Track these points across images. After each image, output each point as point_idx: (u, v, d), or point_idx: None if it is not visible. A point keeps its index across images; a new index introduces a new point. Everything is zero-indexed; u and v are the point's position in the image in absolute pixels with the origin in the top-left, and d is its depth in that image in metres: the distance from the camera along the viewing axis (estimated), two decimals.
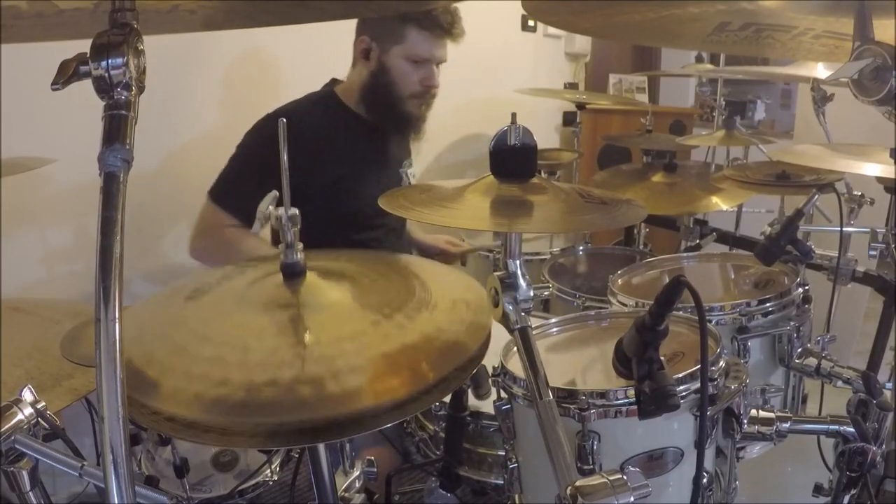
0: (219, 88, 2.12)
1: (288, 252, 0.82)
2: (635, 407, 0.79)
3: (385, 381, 0.69)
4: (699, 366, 0.87)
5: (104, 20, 0.60)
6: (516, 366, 0.94)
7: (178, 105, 2.01)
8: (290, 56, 2.18)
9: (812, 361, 1.25)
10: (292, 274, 0.83)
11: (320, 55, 1.80)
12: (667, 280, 0.76)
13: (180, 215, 2.10)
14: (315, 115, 1.70)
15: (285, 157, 0.81)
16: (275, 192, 0.85)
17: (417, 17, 1.63)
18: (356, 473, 1.02)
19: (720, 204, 1.93)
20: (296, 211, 0.82)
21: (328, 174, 1.68)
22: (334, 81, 1.82)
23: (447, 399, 1.14)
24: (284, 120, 0.80)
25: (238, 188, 1.64)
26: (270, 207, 0.83)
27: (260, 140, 1.66)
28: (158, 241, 2.07)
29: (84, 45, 0.59)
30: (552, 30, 3.29)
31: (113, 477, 0.54)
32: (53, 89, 0.58)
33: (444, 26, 1.66)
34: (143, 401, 0.67)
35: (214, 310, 0.83)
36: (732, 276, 1.50)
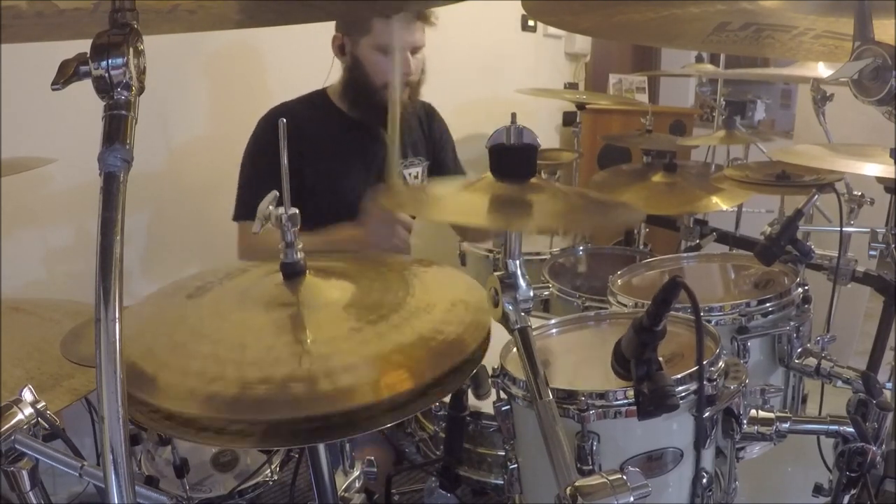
0: (217, 88, 2.12)
1: (288, 251, 0.83)
2: (635, 407, 0.79)
3: (380, 379, 0.69)
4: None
5: (104, 20, 0.60)
6: (516, 366, 0.94)
7: (177, 105, 2.01)
8: (290, 56, 2.18)
9: (812, 361, 1.24)
10: (292, 273, 0.83)
11: (320, 54, 1.80)
12: (667, 280, 0.76)
13: (180, 214, 2.10)
14: (304, 115, 1.71)
15: (285, 158, 0.81)
16: (275, 192, 0.85)
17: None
18: (356, 473, 1.02)
19: (720, 204, 1.93)
20: (296, 211, 0.82)
21: (316, 172, 1.68)
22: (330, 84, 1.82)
23: (447, 399, 1.14)
24: (284, 120, 0.81)
25: (260, 195, 1.61)
26: (270, 207, 0.83)
27: (263, 145, 1.68)
28: (158, 241, 2.07)
29: (84, 45, 0.59)
30: (552, 30, 3.29)
31: (113, 477, 0.54)
32: (53, 89, 0.58)
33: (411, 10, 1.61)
34: (139, 396, 0.68)
35: (214, 308, 0.83)
36: (732, 276, 1.50)
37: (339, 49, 1.70)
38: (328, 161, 1.70)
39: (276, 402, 0.66)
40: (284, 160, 0.81)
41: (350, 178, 1.74)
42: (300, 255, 0.83)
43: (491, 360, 0.91)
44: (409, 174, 1.87)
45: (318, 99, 1.77)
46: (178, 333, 0.78)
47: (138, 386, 0.68)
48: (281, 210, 0.83)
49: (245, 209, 1.69)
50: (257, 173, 1.67)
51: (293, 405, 0.66)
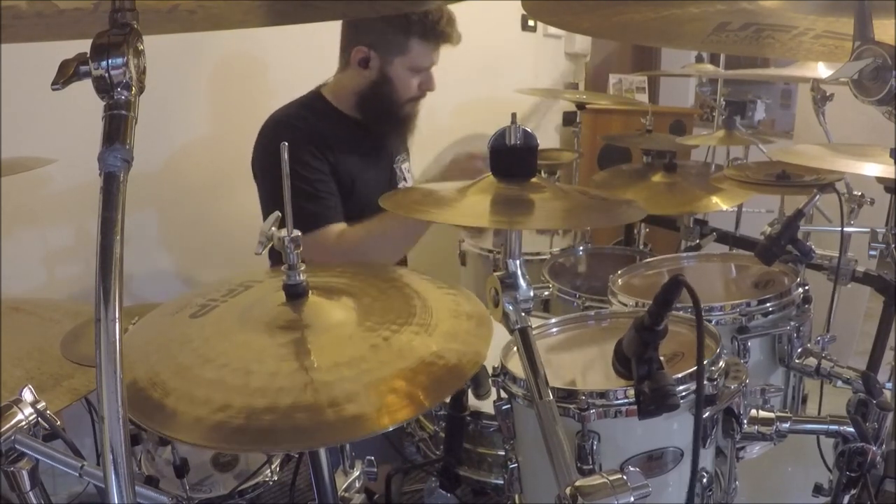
0: (217, 88, 2.12)
1: (291, 273, 0.83)
2: (635, 407, 0.79)
3: (382, 410, 0.69)
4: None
5: (104, 20, 0.60)
6: (516, 366, 0.94)
7: (177, 105, 2.01)
8: (289, 55, 2.18)
9: (812, 361, 1.24)
10: (295, 294, 0.83)
11: (318, 54, 1.81)
12: (668, 279, 0.76)
13: (180, 214, 2.10)
14: (310, 119, 1.71)
15: (287, 181, 0.81)
16: (277, 213, 0.85)
17: (419, 29, 1.65)
18: (356, 473, 1.02)
19: (720, 204, 1.93)
20: (298, 233, 0.82)
21: (336, 174, 1.69)
22: (321, 86, 1.83)
23: (447, 399, 1.14)
24: (286, 144, 0.80)
25: (322, 196, 1.64)
26: (273, 229, 0.83)
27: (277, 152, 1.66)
28: (158, 241, 2.07)
29: (84, 45, 0.59)
30: (552, 30, 3.29)
31: (113, 477, 0.54)
32: (53, 89, 0.58)
33: (446, 36, 1.70)
34: (147, 424, 0.68)
35: (218, 328, 0.83)
36: (732, 276, 1.50)
37: (362, 62, 1.71)
38: (343, 163, 1.71)
39: (281, 433, 0.66)
40: (287, 183, 0.81)
41: (364, 177, 1.76)
42: (303, 277, 0.84)
43: (491, 360, 0.91)
44: (404, 168, 1.95)
45: (317, 102, 1.77)
46: (183, 355, 0.78)
47: (145, 412, 0.69)
48: (283, 232, 0.82)
49: (315, 219, 1.61)
50: (304, 180, 1.63)
51: (297, 435, 0.66)
